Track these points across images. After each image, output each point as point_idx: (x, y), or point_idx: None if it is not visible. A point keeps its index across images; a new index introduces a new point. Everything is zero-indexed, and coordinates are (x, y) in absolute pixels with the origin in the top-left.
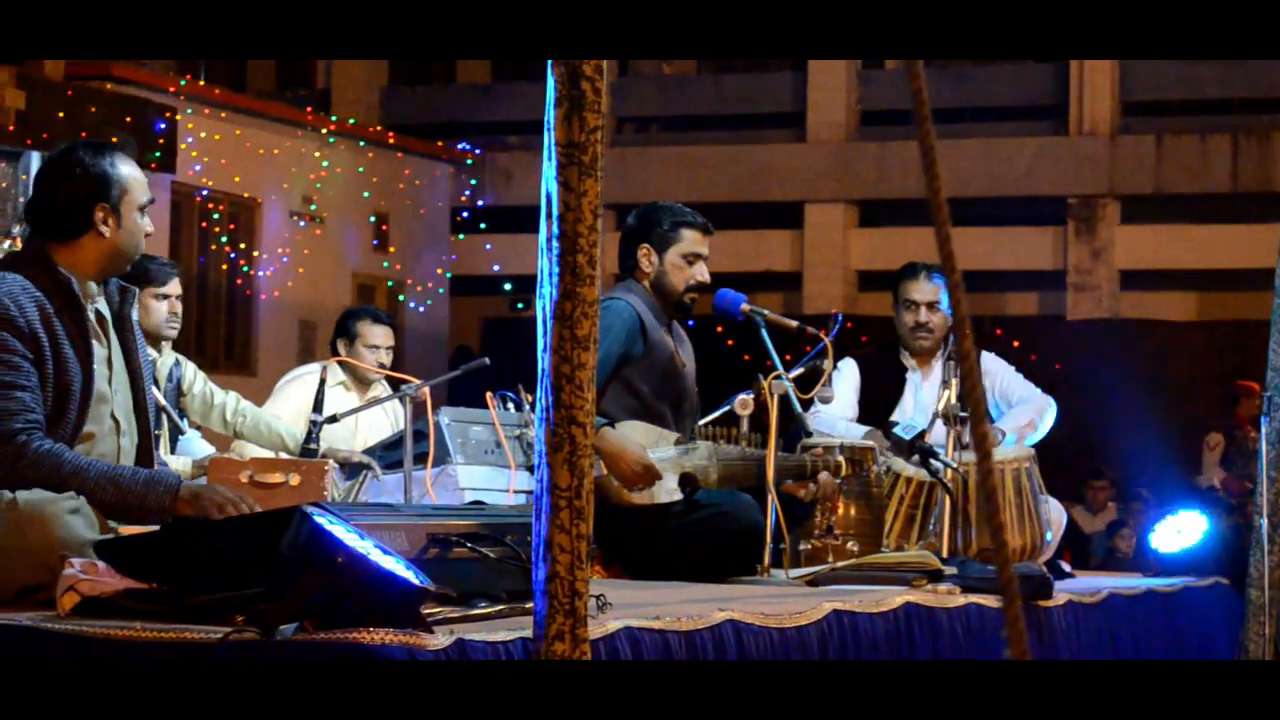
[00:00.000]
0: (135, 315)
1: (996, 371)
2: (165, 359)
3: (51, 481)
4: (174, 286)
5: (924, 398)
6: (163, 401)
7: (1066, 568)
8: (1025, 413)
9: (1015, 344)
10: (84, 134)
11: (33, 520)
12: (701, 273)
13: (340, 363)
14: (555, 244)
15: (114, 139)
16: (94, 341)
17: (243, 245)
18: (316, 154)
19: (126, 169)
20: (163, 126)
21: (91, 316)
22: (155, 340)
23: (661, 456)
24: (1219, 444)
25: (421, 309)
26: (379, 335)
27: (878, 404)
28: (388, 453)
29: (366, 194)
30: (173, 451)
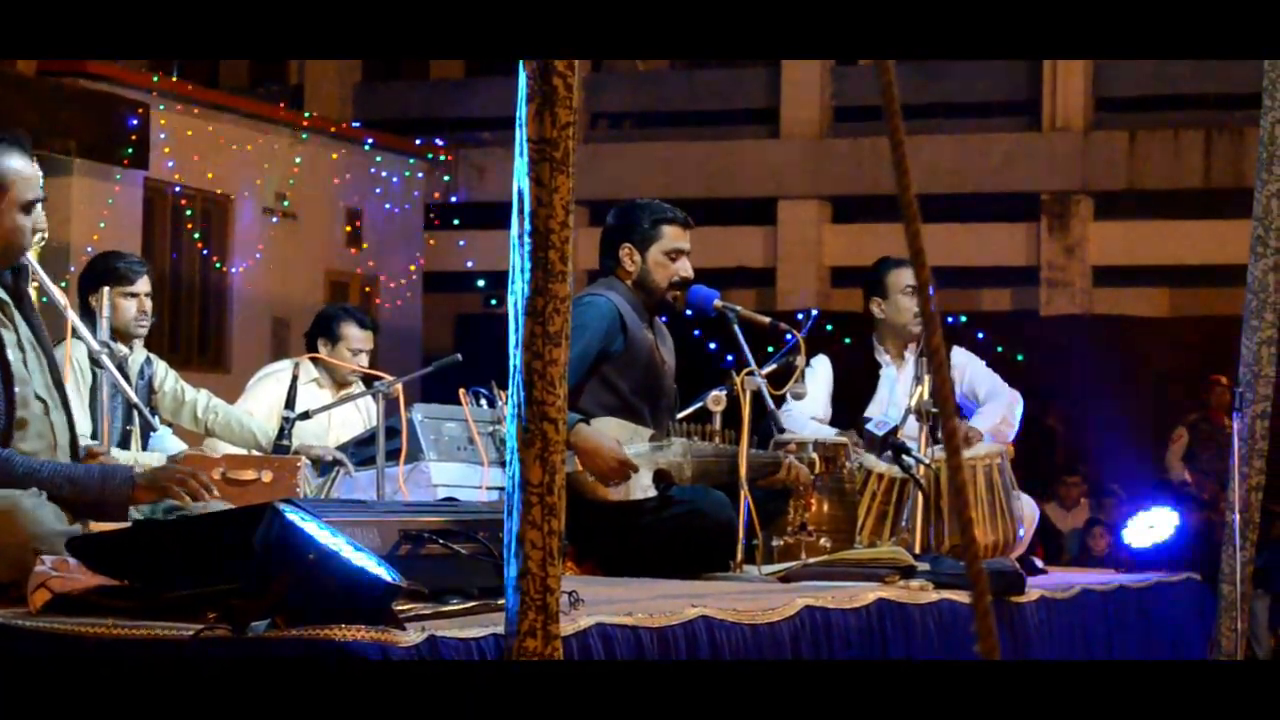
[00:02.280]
0: (30, 290)
1: (965, 365)
2: (136, 355)
3: (5, 487)
4: (143, 284)
5: (898, 393)
6: (134, 398)
7: (1039, 563)
8: (998, 410)
9: (988, 339)
10: (56, 130)
11: (0, 518)
12: (685, 268)
13: (314, 360)
14: (527, 240)
15: (22, 131)
16: (1, 330)
17: (215, 242)
18: (289, 150)
19: (11, 163)
20: (135, 122)
21: None
22: (125, 338)
23: (635, 453)
24: (1181, 437)
25: (394, 305)
26: (363, 340)
27: (852, 400)
28: (360, 449)
29: (339, 190)
30: (145, 448)
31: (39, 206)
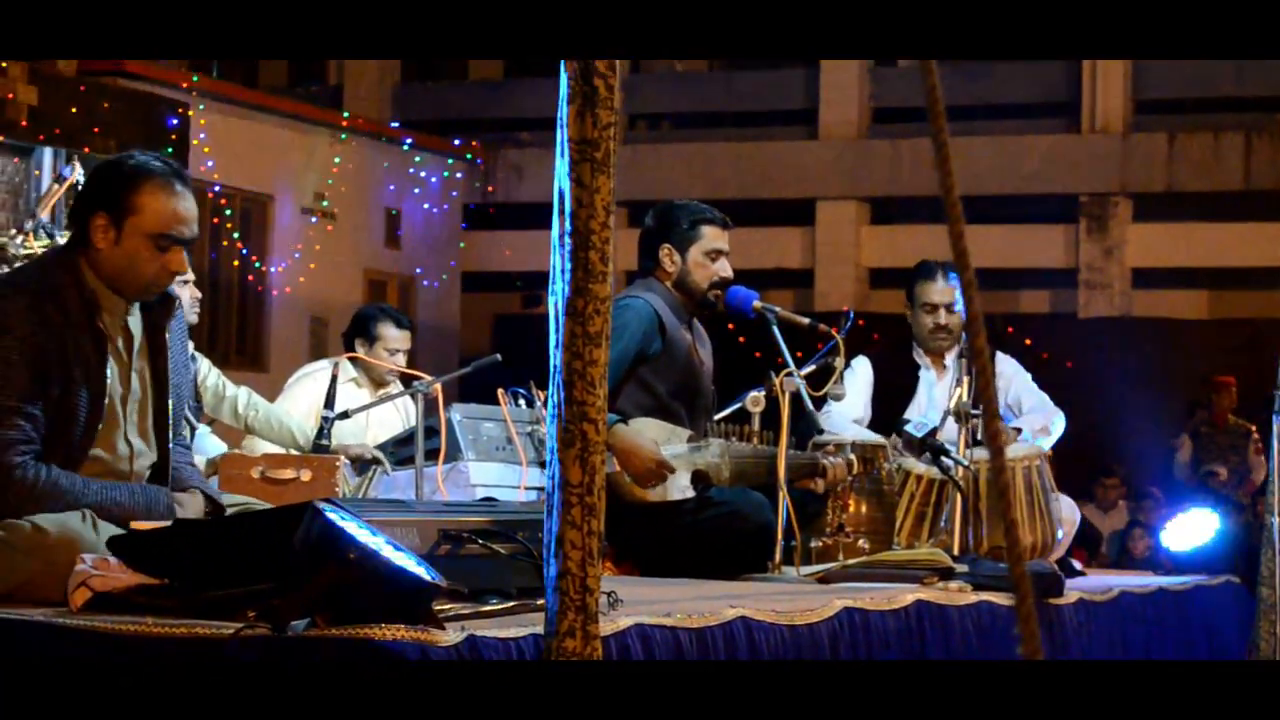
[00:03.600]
0: (175, 324)
1: (1010, 375)
2: None
3: (52, 505)
4: (191, 271)
5: (937, 395)
6: None
7: (1078, 566)
8: (1039, 418)
9: (1027, 342)
10: (96, 129)
11: (60, 546)
12: (724, 269)
13: (352, 359)
14: (568, 240)
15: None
16: (111, 361)
17: (254, 241)
18: (329, 150)
19: (148, 191)
20: (175, 122)
21: (116, 334)
22: None
23: (673, 453)
24: (1185, 444)
25: (432, 305)
26: (400, 340)
27: (891, 402)
28: (399, 449)
29: (378, 190)
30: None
31: (183, 250)
